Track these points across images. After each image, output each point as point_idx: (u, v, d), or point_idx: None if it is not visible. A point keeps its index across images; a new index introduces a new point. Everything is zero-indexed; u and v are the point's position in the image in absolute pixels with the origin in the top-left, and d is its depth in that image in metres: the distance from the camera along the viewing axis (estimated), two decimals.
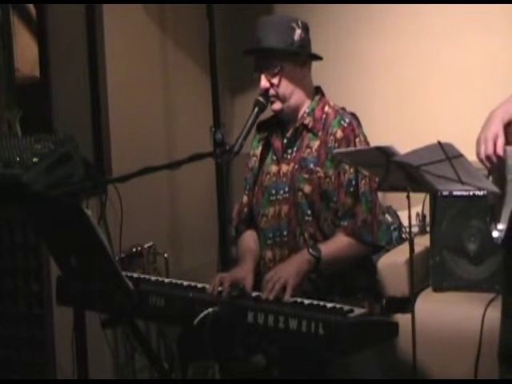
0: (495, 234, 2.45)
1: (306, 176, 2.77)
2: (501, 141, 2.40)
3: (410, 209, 2.50)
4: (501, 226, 2.43)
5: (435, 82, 4.14)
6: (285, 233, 2.80)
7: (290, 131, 2.87)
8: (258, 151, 2.95)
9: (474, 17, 4.00)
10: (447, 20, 4.08)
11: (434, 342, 3.26)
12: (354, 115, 2.90)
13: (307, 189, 2.76)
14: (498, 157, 2.39)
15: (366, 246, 2.76)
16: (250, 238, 2.95)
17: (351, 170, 2.74)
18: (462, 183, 2.29)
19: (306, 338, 2.29)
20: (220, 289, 2.60)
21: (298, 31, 2.79)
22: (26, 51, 3.64)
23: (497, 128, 2.42)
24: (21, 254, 3.29)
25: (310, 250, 2.66)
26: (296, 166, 2.81)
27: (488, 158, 2.40)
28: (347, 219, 2.74)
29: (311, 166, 2.78)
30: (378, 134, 3.89)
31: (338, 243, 2.73)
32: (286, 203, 2.80)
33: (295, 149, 2.84)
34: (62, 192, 3.03)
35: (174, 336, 3.11)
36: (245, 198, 2.99)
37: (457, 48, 4.06)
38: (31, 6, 3.65)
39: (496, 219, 2.46)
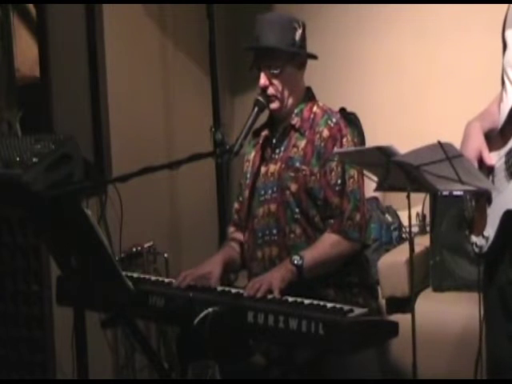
0: (476, 247, 2.47)
1: (292, 174, 2.77)
2: (486, 152, 2.39)
3: (410, 209, 2.50)
4: (481, 240, 2.44)
5: (435, 82, 4.15)
6: (274, 231, 2.80)
7: (279, 132, 2.87)
8: (251, 156, 2.95)
9: (474, 17, 4.00)
10: (448, 20, 4.08)
11: (434, 342, 3.26)
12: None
13: (293, 187, 2.76)
14: (489, 167, 2.38)
15: (354, 244, 2.74)
16: (235, 243, 2.96)
17: (338, 169, 2.74)
18: (462, 183, 2.29)
19: (306, 337, 2.29)
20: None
21: (299, 31, 2.79)
22: (26, 51, 3.64)
23: (477, 142, 2.40)
24: (21, 254, 3.28)
25: (293, 260, 2.64)
26: (283, 166, 2.81)
27: None
28: (334, 217, 2.74)
29: (297, 164, 2.78)
30: (378, 134, 3.91)
31: (323, 246, 2.71)
32: (274, 202, 2.81)
33: (283, 148, 2.85)
34: (61, 192, 3.03)
35: (174, 336, 3.11)
36: (236, 205, 3.00)
37: (457, 48, 4.06)
38: (31, 6, 3.64)
39: (476, 232, 2.47)
